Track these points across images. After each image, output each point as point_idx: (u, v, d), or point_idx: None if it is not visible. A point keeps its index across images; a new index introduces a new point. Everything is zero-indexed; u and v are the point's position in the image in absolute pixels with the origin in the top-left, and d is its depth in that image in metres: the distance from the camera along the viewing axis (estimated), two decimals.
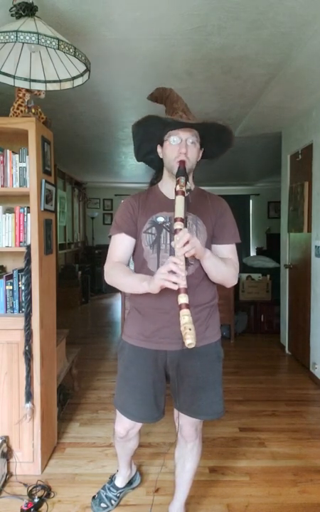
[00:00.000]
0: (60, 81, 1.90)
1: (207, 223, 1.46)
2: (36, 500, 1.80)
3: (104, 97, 3.18)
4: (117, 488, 1.84)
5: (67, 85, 1.90)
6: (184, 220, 1.26)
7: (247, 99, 3.25)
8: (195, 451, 1.60)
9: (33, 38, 1.48)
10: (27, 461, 2.03)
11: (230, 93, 3.12)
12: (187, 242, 1.21)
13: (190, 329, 1.12)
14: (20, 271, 2.02)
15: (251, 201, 9.07)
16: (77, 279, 6.57)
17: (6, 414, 2.02)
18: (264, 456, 2.22)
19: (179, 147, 1.38)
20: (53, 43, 1.51)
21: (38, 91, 2.02)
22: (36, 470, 2.03)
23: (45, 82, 1.90)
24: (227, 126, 1.40)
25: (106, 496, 1.81)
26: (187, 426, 1.55)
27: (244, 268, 5.35)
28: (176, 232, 1.23)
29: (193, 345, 1.11)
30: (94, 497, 1.82)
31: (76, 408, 2.80)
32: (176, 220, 1.25)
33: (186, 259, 1.27)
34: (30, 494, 1.86)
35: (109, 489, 1.84)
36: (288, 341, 4.10)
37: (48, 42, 1.50)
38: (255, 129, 4.10)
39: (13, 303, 2.04)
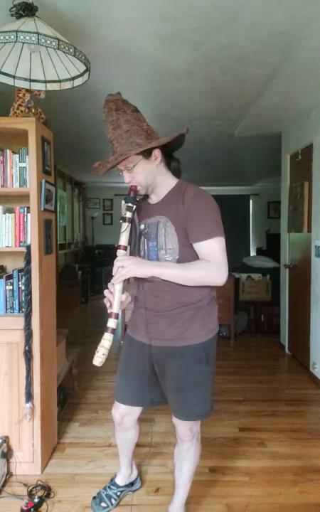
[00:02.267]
0: (60, 81, 1.90)
1: (176, 224, 1.42)
2: (36, 500, 1.80)
3: (103, 97, 3.15)
4: (117, 486, 1.85)
5: (67, 85, 1.90)
6: (126, 247, 1.39)
7: (246, 99, 3.25)
8: (191, 452, 1.61)
9: (33, 38, 1.48)
10: (27, 461, 2.03)
11: (229, 93, 3.12)
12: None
13: (97, 351, 1.31)
14: (20, 271, 2.02)
15: (251, 201, 9.08)
16: (77, 279, 6.57)
17: (6, 414, 2.02)
18: (264, 456, 2.22)
19: (124, 177, 1.44)
20: (53, 43, 1.51)
21: (38, 91, 2.02)
22: (36, 470, 2.04)
23: (45, 82, 1.90)
24: (144, 149, 1.36)
25: (106, 495, 1.81)
26: (180, 426, 1.56)
27: (244, 268, 5.34)
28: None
29: (98, 365, 1.31)
30: (94, 497, 1.82)
31: (76, 408, 2.80)
32: (118, 247, 1.38)
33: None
34: (30, 494, 1.86)
35: (109, 487, 1.84)
36: (288, 341, 4.10)
37: (48, 42, 1.50)
38: (255, 129, 4.11)
39: (13, 303, 2.04)
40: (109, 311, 1.34)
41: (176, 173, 1.53)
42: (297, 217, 3.71)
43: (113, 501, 1.80)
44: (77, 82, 1.88)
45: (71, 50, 1.58)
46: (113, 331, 1.33)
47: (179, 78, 2.82)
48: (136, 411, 1.67)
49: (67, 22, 2.02)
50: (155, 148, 1.40)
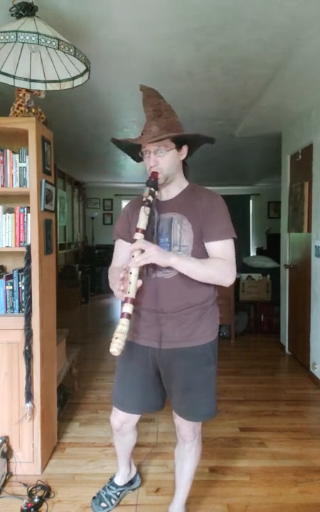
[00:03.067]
0: (60, 81, 1.89)
1: (193, 222, 1.43)
2: (36, 500, 1.80)
3: (103, 97, 3.18)
4: (116, 486, 1.85)
5: (67, 85, 1.90)
6: (145, 231, 1.34)
7: (247, 99, 3.25)
8: (193, 452, 1.60)
9: (33, 38, 1.48)
10: (27, 461, 2.03)
11: (230, 93, 3.12)
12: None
13: (116, 338, 1.22)
14: (20, 271, 2.02)
15: (251, 201, 9.08)
16: (77, 279, 6.57)
17: (6, 414, 2.02)
18: (265, 456, 2.22)
19: (149, 160, 1.43)
20: (53, 43, 1.51)
21: (38, 91, 2.02)
22: (36, 470, 2.04)
23: (45, 82, 1.90)
24: (187, 134, 1.42)
25: (106, 495, 1.81)
26: (183, 426, 1.55)
27: (244, 268, 5.34)
28: (134, 242, 1.32)
29: (115, 354, 1.22)
30: (94, 497, 1.82)
31: (76, 408, 2.80)
32: (137, 230, 1.34)
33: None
34: (30, 494, 1.86)
35: (108, 488, 1.84)
36: (288, 341, 4.10)
37: (48, 42, 1.50)
38: (255, 129, 4.11)
39: (13, 303, 2.04)
40: (125, 296, 1.29)
41: (186, 175, 1.57)
42: (297, 217, 3.71)
43: (113, 501, 1.80)
44: (77, 82, 1.88)
45: (71, 50, 1.58)
46: (129, 316, 1.27)
47: (180, 79, 2.82)
48: (135, 417, 1.64)
49: (67, 22, 2.02)
50: (185, 144, 1.46)
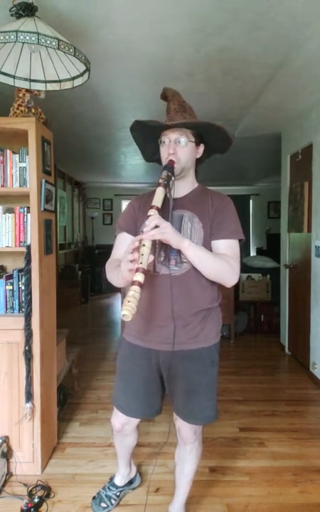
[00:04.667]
0: (60, 81, 1.89)
1: (204, 221, 1.43)
2: (36, 500, 1.80)
3: (103, 97, 3.18)
4: (116, 487, 1.85)
5: (67, 85, 1.90)
6: (159, 209, 1.29)
7: (246, 99, 3.25)
8: (193, 454, 1.60)
9: (33, 38, 1.48)
10: (27, 461, 2.03)
11: (229, 94, 3.12)
12: (156, 228, 1.23)
13: (129, 301, 1.12)
14: (20, 271, 2.02)
15: (251, 201, 9.08)
16: (77, 279, 6.57)
17: (6, 414, 2.02)
18: (264, 456, 2.22)
19: (168, 148, 1.41)
20: (53, 43, 1.51)
21: (38, 91, 2.02)
22: (36, 470, 2.04)
23: (45, 82, 1.90)
24: (214, 124, 1.42)
25: (106, 496, 1.81)
26: (184, 428, 1.54)
27: (244, 268, 5.34)
28: (148, 218, 1.26)
29: (127, 318, 1.12)
30: (94, 497, 1.82)
31: (76, 408, 2.80)
32: (151, 207, 1.28)
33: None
34: (30, 494, 1.86)
35: (108, 488, 1.84)
36: (288, 341, 4.10)
37: (48, 42, 1.50)
38: (255, 129, 4.11)
39: (13, 303, 2.04)
40: (136, 266, 1.20)
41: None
42: (297, 217, 3.72)
43: (113, 501, 1.80)
44: (77, 82, 1.88)
45: (71, 50, 1.58)
46: (141, 285, 1.17)
47: (180, 79, 2.82)
48: (136, 419, 1.63)
49: (67, 22, 2.02)
50: (201, 143, 1.49)
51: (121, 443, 1.76)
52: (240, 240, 1.46)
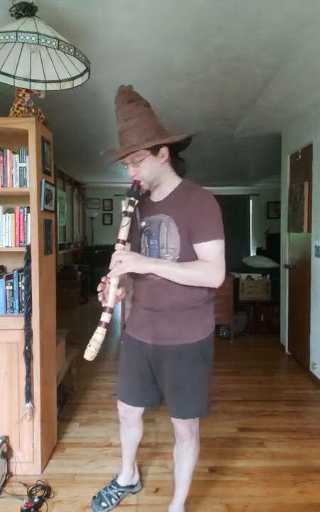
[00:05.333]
0: (59, 81, 1.89)
1: (180, 224, 1.42)
2: (36, 500, 1.80)
3: (103, 97, 3.18)
4: (118, 486, 1.85)
5: (67, 85, 1.90)
6: (125, 241, 1.37)
7: (246, 99, 3.25)
8: (190, 451, 1.61)
9: (33, 38, 1.48)
10: (27, 461, 2.03)
11: (229, 93, 3.12)
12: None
13: (89, 345, 1.27)
14: (20, 271, 2.02)
15: (251, 201, 9.08)
16: (77, 279, 6.56)
17: (6, 414, 2.02)
18: (264, 456, 2.22)
19: (129, 170, 1.44)
20: (53, 43, 1.51)
21: (38, 91, 2.02)
22: (36, 470, 2.04)
23: (45, 82, 1.90)
24: (160, 142, 1.37)
25: (106, 495, 1.81)
26: (179, 425, 1.57)
27: (244, 268, 5.34)
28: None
29: (89, 359, 1.28)
30: (94, 497, 1.82)
31: (76, 408, 2.80)
32: (117, 241, 1.37)
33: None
34: (30, 494, 1.86)
35: (110, 487, 1.85)
36: (288, 341, 4.10)
37: (48, 42, 1.50)
38: (254, 129, 4.11)
39: (13, 303, 2.04)
40: (103, 305, 1.33)
41: (181, 173, 1.54)
42: (297, 217, 3.72)
43: (113, 501, 1.80)
44: (77, 82, 1.88)
45: (71, 50, 1.58)
46: (106, 326, 1.30)
47: (179, 79, 2.82)
48: (140, 409, 1.71)
49: (66, 22, 2.02)
50: (163, 145, 1.41)
51: (126, 435, 1.79)
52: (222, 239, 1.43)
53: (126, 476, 1.87)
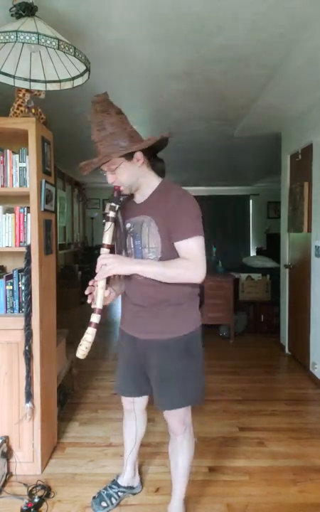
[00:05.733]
0: (60, 81, 1.90)
1: (159, 224, 1.47)
2: (36, 500, 1.80)
3: None
4: (118, 486, 1.86)
5: (67, 85, 1.91)
6: (111, 246, 1.46)
7: (246, 99, 3.25)
8: (185, 445, 1.63)
9: (33, 38, 1.48)
10: (27, 461, 2.03)
11: (228, 94, 3.12)
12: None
13: (81, 345, 1.39)
14: (20, 271, 2.02)
15: (251, 201, 9.08)
16: (77, 279, 6.57)
17: (6, 414, 2.02)
18: (264, 456, 2.22)
19: (107, 178, 1.50)
20: (53, 43, 1.51)
21: (38, 91, 2.02)
22: (36, 470, 2.04)
23: (45, 82, 1.90)
24: (131, 150, 1.42)
25: (107, 495, 1.82)
26: (172, 419, 1.59)
27: (244, 268, 5.34)
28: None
29: (81, 358, 1.41)
30: (94, 497, 1.83)
31: (76, 408, 2.80)
32: (102, 245, 1.46)
33: None
34: (30, 494, 1.86)
35: (110, 487, 1.85)
36: (288, 341, 4.10)
37: (48, 42, 1.50)
38: (254, 129, 4.11)
39: (13, 303, 2.04)
40: (92, 307, 1.43)
41: (160, 173, 1.59)
42: (297, 217, 3.72)
43: (113, 501, 1.80)
44: (77, 82, 1.89)
45: (71, 50, 1.58)
46: (96, 326, 1.41)
47: (179, 79, 2.82)
48: (142, 399, 1.76)
49: (66, 23, 2.02)
50: (137, 150, 1.45)
51: (129, 429, 1.82)
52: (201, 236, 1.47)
53: (127, 476, 1.88)
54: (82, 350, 1.39)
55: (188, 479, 1.69)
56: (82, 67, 1.80)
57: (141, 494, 1.90)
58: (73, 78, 1.88)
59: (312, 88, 2.95)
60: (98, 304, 1.42)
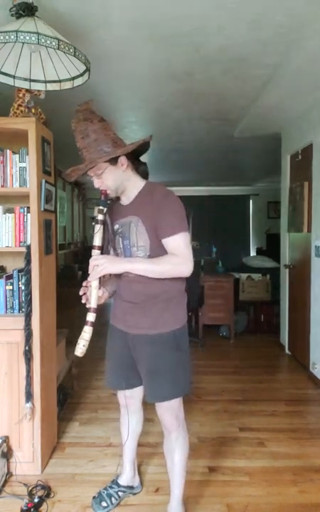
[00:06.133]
0: (60, 81, 1.90)
1: (146, 223, 1.53)
2: (36, 500, 1.80)
3: (103, 97, 3.18)
4: (119, 485, 1.86)
5: (67, 85, 1.91)
6: (101, 247, 1.52)
7: (246, 99, 3.25)
8: (180, 442, 1.64)
9: (33, 38, 1.48)
10: (27, 461, 2.03)
11: (229, 94, 3.12)
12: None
13: (78, 343, 1.47)
14: (20, 271, 2.02)
15: (251, 201, 9.07)
16: (77, 279, 6.56)
17: (6, 414, 2.02)
18: (264, 456, 2.22)
19: (94, 183, 1.57)
20: (53, 43, 1.51)
21: (38, 91, 2.02)
22: (36, 470, 2.04)
23: (45, 82, 1.90)
24: (115, 155, 1.47)
25: (107, 494, 1.82)
26: (165, 415, 1.61)
27: (244, 268, 5.34)
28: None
29: (79, 355, 1.48)
30: (94, 497, 1.83)
31: (76, 408, 2.80)
32: (93, 247, 1.51)
33: None
34: (30, 494, 1.86)
35: (110, 486, 1.86)
36: (288, 341, 4.10)
37: (48, 42, 1.50)
38: (254, 129, 4.11)
39: (13, 303, 2.04)
40: (87, 306, 1.50)
41: (144, 175, 1.65)
42: (297, 217, 3.72)
43: (113, 500, 1.80)
44: (77, 82, 1.89)
45: (71, 50, 1.58)
46: (92, 324, 1.48)
47: (179, 79, 2.82)
48: (137, 393, 1.77)
49: (66, 23, 2.02)
50: (121, 155, 1.51)
51: (126, 425, 1.82)
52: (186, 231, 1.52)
53: (127, 476, 1.88)
54: (80, 348, 1.46)
55: (185, 478, 1.69)
56: (82, 67, 1.80)
57: (140, 494, 1.90)
58: (73, 78, 1.88)
59: (312, 88, 2.95)
60: (93, 304, 1.49)
